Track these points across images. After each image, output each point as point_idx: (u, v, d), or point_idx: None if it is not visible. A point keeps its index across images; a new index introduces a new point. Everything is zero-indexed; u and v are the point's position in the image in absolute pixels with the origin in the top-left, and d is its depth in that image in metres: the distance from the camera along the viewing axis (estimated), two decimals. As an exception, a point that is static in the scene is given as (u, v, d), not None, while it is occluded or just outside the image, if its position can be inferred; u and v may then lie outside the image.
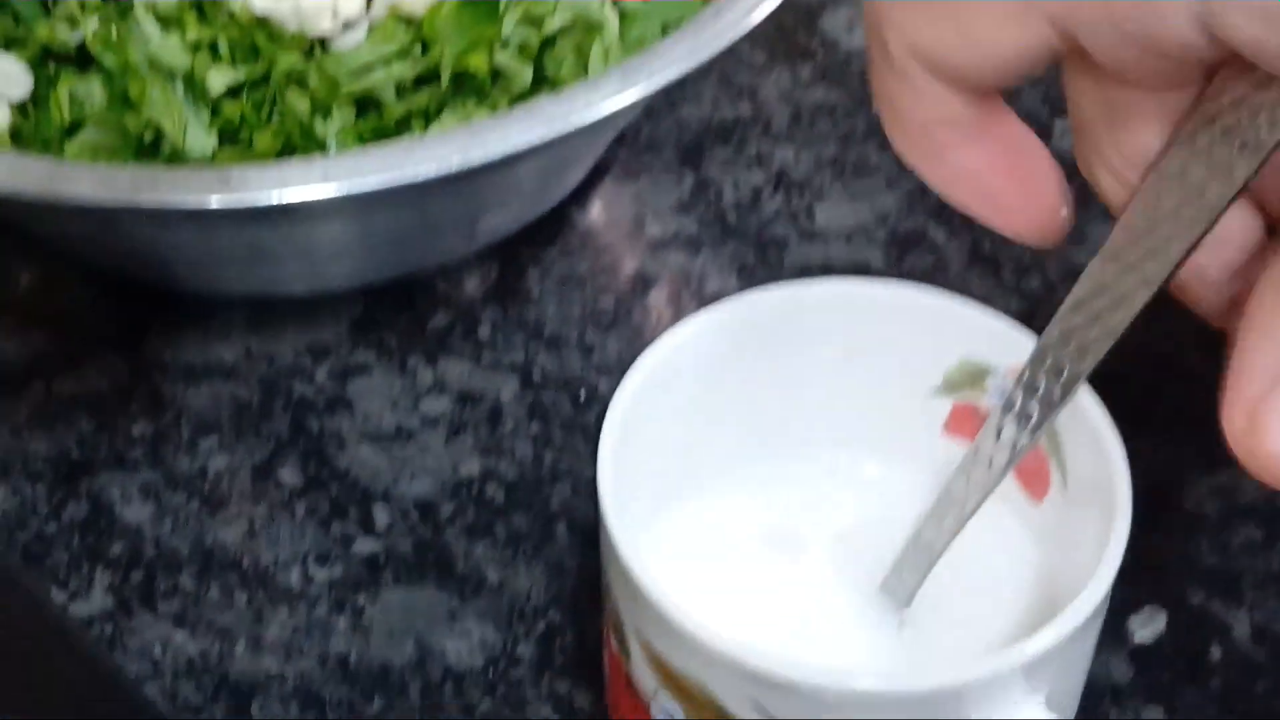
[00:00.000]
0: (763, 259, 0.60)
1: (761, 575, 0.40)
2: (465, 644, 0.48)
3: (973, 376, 0.41)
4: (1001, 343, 0.40)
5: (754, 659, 0.33)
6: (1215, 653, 0.48)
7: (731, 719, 0.34)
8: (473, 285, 0.59)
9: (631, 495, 0.37)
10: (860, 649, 0.39)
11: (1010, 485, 0.41)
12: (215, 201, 0.45)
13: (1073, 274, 0.60)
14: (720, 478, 0.42)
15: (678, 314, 0.58)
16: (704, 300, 0.58)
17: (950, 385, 0.41)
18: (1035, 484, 0.40)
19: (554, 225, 0.61)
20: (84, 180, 0.47)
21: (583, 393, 0.55)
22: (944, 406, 0.42)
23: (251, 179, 0.46)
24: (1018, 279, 0.59)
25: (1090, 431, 0.38)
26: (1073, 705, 0.39)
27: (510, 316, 0.58)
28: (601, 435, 0.37)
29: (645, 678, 0.36)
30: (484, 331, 0.57)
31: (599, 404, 0.55)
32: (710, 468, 0.42)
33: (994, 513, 0.41)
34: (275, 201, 0.46)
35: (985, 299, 0.59)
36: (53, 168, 0.48)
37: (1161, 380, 0.55)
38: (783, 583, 0.40)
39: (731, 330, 0.40)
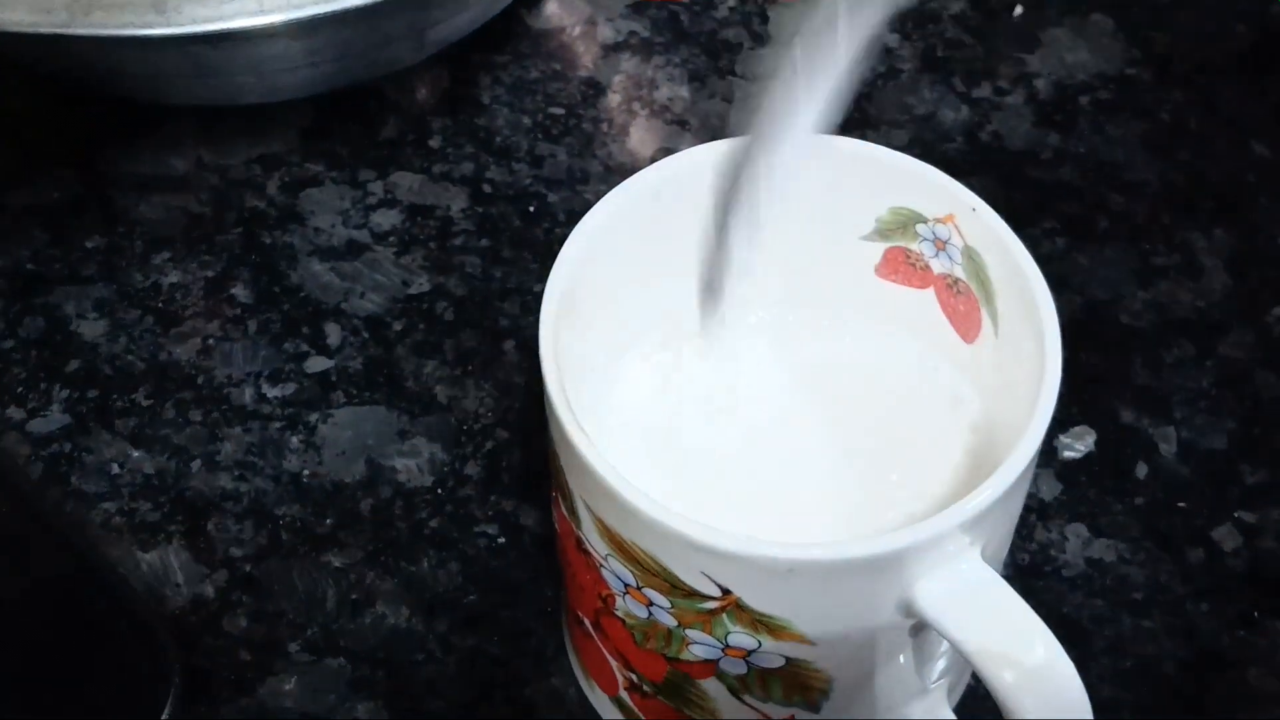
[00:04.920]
0: (715, 66, 0.58)
1: (705, 430, 0.39)
2: (414, 462, 0.48)
3: (904, 223, 0.39)
4: (932, 192, 0.39)
5: (704, 534, 0.32)
6: (1141, 470, 0.48)
7: (682, 585, 0.34)
8: (423, 92, 0.57)
9: (572, 363, 0.36)
10: (807, 497, 0.39)
11: (943, 329, 0.40)
12: (149, 30, 0.43)
13: (1024, 79, 0.59)
14: (659, 335, 0.41)
15: (627, 123, 0.56)
16: (654, 110, 0.57)
17: (883, 232, 0.40)
18: (967, 327, 0.40)
19: (504, 28, 0.59)
20: (19, 7, 0.45)
21: (533, 206, 0.54)
22: (876, 251, 0.41)
23: (187, 8, 0.44)
24: (968, 85, 0.58)
25: (1020, 283, 0.37)
26: (1004, 550, 0.39)
27: (460, 125, 0.56)
28: (542, 308, 0.36)
29: (596, 543, 0.35)
30: (434, 142, 0.55)
31: (548, 218, 0.53)
32: (649, 325, 0.41)
33: (928, 354, 0.41)
34: (211, 29, 0.44)
35: (935, 103, 0.58)
36: (-15, -8, 0.45)
37: (1104, 190, 0.54)
38: (727, 436, 0.39)
39: (664, 190, 0.39)
